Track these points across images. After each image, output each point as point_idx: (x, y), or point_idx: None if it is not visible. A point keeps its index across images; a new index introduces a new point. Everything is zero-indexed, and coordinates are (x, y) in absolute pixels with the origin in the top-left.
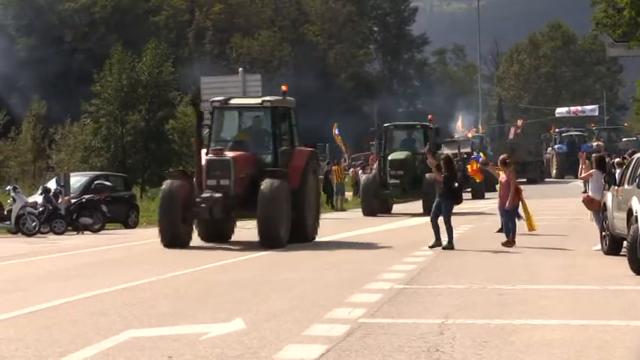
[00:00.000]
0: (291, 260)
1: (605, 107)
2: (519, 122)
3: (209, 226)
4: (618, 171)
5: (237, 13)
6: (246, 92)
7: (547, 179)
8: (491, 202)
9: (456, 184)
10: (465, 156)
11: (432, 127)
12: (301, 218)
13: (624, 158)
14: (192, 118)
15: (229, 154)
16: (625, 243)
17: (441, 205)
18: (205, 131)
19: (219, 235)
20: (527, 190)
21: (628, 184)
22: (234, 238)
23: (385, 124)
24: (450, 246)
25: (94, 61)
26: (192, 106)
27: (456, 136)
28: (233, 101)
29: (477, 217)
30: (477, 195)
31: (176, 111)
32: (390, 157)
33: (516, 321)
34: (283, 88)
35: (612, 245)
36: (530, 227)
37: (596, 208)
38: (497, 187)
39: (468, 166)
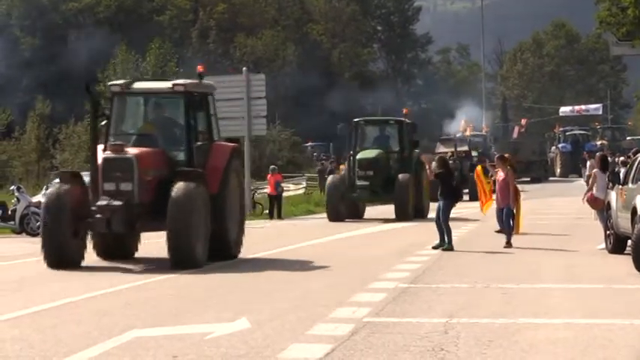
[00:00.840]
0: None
1: (609, 106)
2: (523, 121)
3: (108, 240)
4: (622, 170)
5: (241, 12)
6: (250, 92)
7: (551, 178)
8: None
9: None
10: (463, 155)
11: (407, 123)
12: (222, 230)
13: (628, 157)
14: None
15: (132, 150)
16: (629, 242)
17: (445, 205)
18: (103, 123)
19: (121, 251)
20: (531, 189)
21: (632, 183)
22: (140, 253)
23: (355, 119)
24: (449, 247)
25: (99, 61)
26: (86, 92)
27: (457, 137)
28: (137, 85)
29: (480, 216)
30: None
31: None
32: (358, 156)
33: (520, 320)
34: (199, 68)
35: (616, 244)
36: (517, 230)
37: (600, 207)
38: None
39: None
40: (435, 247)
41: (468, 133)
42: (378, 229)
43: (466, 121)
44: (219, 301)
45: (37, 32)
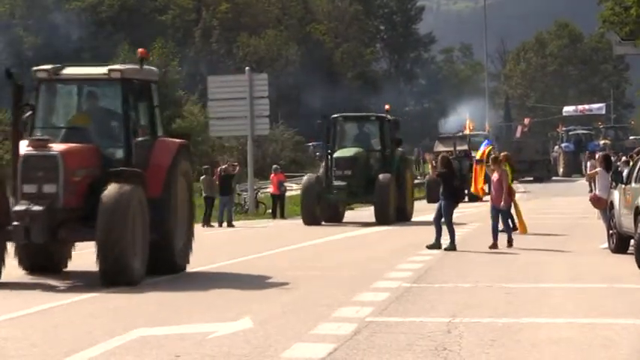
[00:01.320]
0: None
1: (612, 105)
2: (526, 121)
3: (31, 251)
4: (625, 169)
5: (244, 12)
6: (252, 91)
7: (554, 178)
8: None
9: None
10: (462, 154)
11: (389, 120)
12: (166, 240)
13: (631, 156)
14: (199, 117)
15: (57, 147)
16: (632, 241)
17: (445, 205)
18: (28, 114)
19: (48, 263)
20: (534, 188)
21: (635, 182)
22: (71, 266)
23: (333, 115)
24: (451, 247)
25: (101, 60)
26: (7, 78)
27: (458, 135)
28: (67, 71)
29: (481, 216)
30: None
31: (183, 110)
32: (335, 154)
33: (523, 319)
34: (140, 51)
35: (619, 243)
36: (523, 229)
37: (603, 206)
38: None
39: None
40: (429, 247)
41: (467, 131)
42: (377, 230)
43: (470, 120)
44: (222, 301)
45: (40, 32)
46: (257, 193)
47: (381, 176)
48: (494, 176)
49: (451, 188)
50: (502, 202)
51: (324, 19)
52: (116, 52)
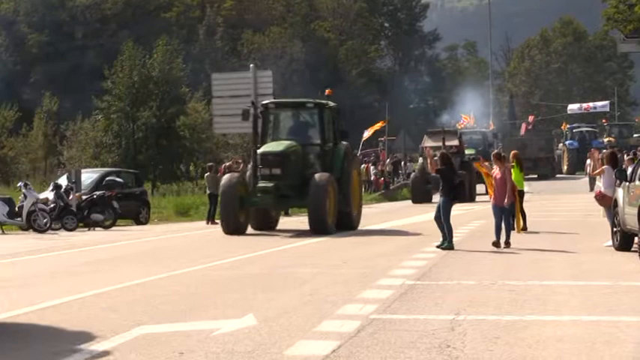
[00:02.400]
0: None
1: (616, 103)
2: (531, 118)
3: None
4: (630, 167)
5: (248, 9)
6: (257, 88)
7: (558, 175)
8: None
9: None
10: (455, 150)
11: (331, 107)
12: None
13: (635, 154)
14: (203, 114)
15: None
16: (636, 239)
17: (444, 203)
18: None
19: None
20: (538, 186)
21: (639, 180)
22: None
23: (264, 102)
24: (449, 246)
25: (106, 58)
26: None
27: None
28: None
29: (486, 213)
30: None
31: (187, 107)
32: (261, 150)
33: (527, 317)
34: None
35: (623, 241)
36: (519, 228)
37: (608, 204)
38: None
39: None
40: (439, 246)
41: (460, 125)
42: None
43: (472, 116)
44: (226, 298)
45: (45, 29)
46: None
47: (317, 176)
48: (497, 173)
49: (450, 185)
50: (506, 200)
51: (329, 17)
52: (120, 50)
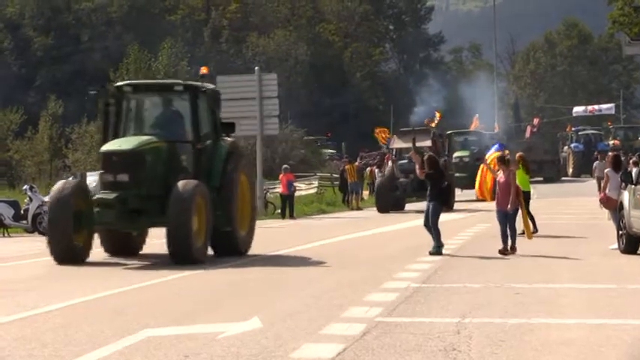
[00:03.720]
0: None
1: (621, 106)
2: (536, 121)
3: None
4: (635, 170)
5: (253, 12)
6: (262, 91)
7: (563, 178)
8: None
9: (445, 184)
10: (427, 151)
11: (206, 91)
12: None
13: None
14: None
15: None
16: None
17: (434, 208)
18: None
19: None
20: (543, 189)
21: None
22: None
23: (117, 84)
24: (437, 251)
25: (111, 61)
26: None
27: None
28: None
29: (492, 216)
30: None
31: None
32: (103, 148)
33: (533, 320)
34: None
35: (629, 244)
36: (529, 235)
37: (613, 206)
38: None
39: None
40: (432, 253)
41: (433, 124)
42: (386, 230)
43: (476, 118)
44: (231, 301)
45: (50, 32)
46: (266, 194)
47: (180, 184)
48: (501, 177)
49: (439, 189)
50: (509, 205)
51: (334, 19)
52: (126, 53)
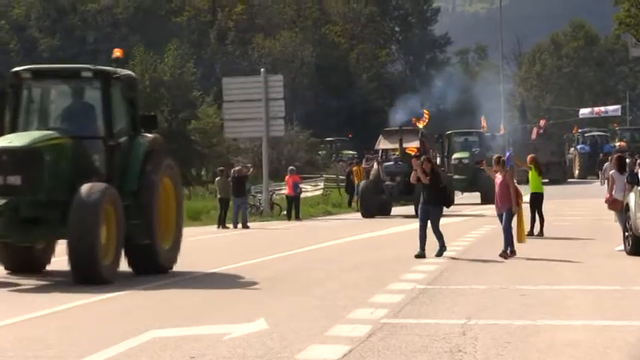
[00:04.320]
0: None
1: (627, 107)
2: (542, 122)
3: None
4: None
5: (259, 13)
6: (268, 92)
7: (569, 180)
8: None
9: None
10: (416, 152)
11: (121, 77)
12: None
13: None
14: (214, 118)
15: None
16: None
17: (428, 210)
18: None
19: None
20: (550, 190)
21: None
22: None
23: (15, 69)
24: (441, 252)
25: (117, 62)
26: None
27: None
28: None
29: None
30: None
31: (198, 112)
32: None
33: (538, 321)
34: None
35: (635, 246)
36: (520, 238)
37: (620, 208)
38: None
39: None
40: (418, 256)
41: (421, 124)
42: (396, 230)
43: (484, 119)
44: (237, 303)
45: (56, 33)
46: (272, 195)
47: (85, 187)
48: (498, 178)
49: (439, 193)
50: (512, 206)
51: (339, 21)
52: (132, 54)
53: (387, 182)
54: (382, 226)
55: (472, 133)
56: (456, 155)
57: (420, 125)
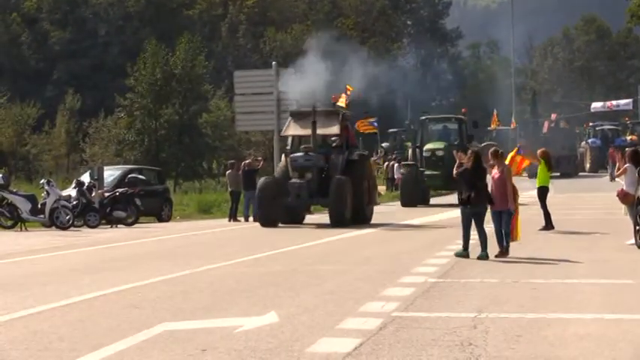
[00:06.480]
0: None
1: (639, 101)
2: (553, 116)
3: None
4: None
5: (271, 6)
6: (279, 86)
7: (581, 173)
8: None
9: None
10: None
11: None
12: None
13: None
14: (225, 111)
15: None
16: None
17: (480, 212)
18: None
19: None
20: (561, 184)
21: None
22: None
23: None
24: (483, 254)
25: (128, 55)
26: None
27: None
28: None
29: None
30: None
31: (209, 105)
32: None
33: (550, 315)
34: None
35: None
36: (515, 236)
37: (631, 201)
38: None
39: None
40: (479, 258)
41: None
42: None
43: (496, 117)
44: (249, 295)
45: (68, 26)
46: None
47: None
48: (495, 173)
49: (485, 189)
50: (510, 205)
51: (351, 14)
52: (143, 47)
53: (294, 180)
54: (396, 219)
55: (451, 119)
56: (428, 146)
57: (341, 104)
